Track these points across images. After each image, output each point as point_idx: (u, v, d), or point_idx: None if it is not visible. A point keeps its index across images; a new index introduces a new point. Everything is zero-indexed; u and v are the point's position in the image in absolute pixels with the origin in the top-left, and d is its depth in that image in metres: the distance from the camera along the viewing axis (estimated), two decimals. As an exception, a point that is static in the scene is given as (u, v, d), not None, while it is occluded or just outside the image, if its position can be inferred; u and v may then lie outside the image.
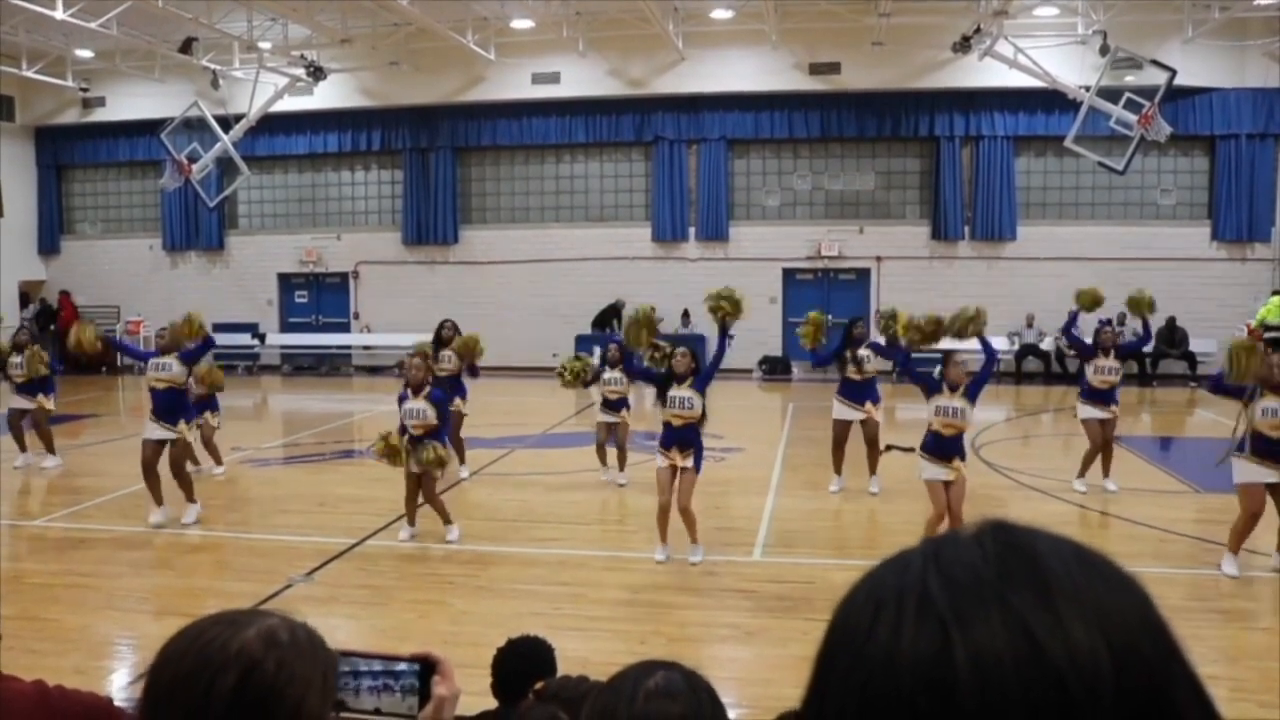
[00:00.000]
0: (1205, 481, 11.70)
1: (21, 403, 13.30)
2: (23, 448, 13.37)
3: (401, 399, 9.58)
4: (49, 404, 13.36)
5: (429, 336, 12.52)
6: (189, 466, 10.99)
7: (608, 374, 11.90)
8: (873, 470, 11.58)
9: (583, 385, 12.04)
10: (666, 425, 8.98)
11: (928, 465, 8.77)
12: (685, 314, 23.54)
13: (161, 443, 10.25)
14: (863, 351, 11.46)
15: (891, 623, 0.71)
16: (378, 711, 1.58)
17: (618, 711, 1.81)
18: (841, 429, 11.63)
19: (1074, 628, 0.67)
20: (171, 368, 10.27)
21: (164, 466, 10.26)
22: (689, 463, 8.87)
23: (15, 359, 13.25)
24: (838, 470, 11.72)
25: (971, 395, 8.71)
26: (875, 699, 0.69)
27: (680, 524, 8.99)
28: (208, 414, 12.55)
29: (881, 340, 11.93)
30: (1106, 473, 11.56)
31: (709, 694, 1.91)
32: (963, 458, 8.79)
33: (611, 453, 12.10)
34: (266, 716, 1.36)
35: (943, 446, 8.71)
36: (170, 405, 10.25)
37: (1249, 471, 8.40)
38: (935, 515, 8.72)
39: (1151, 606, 0.73)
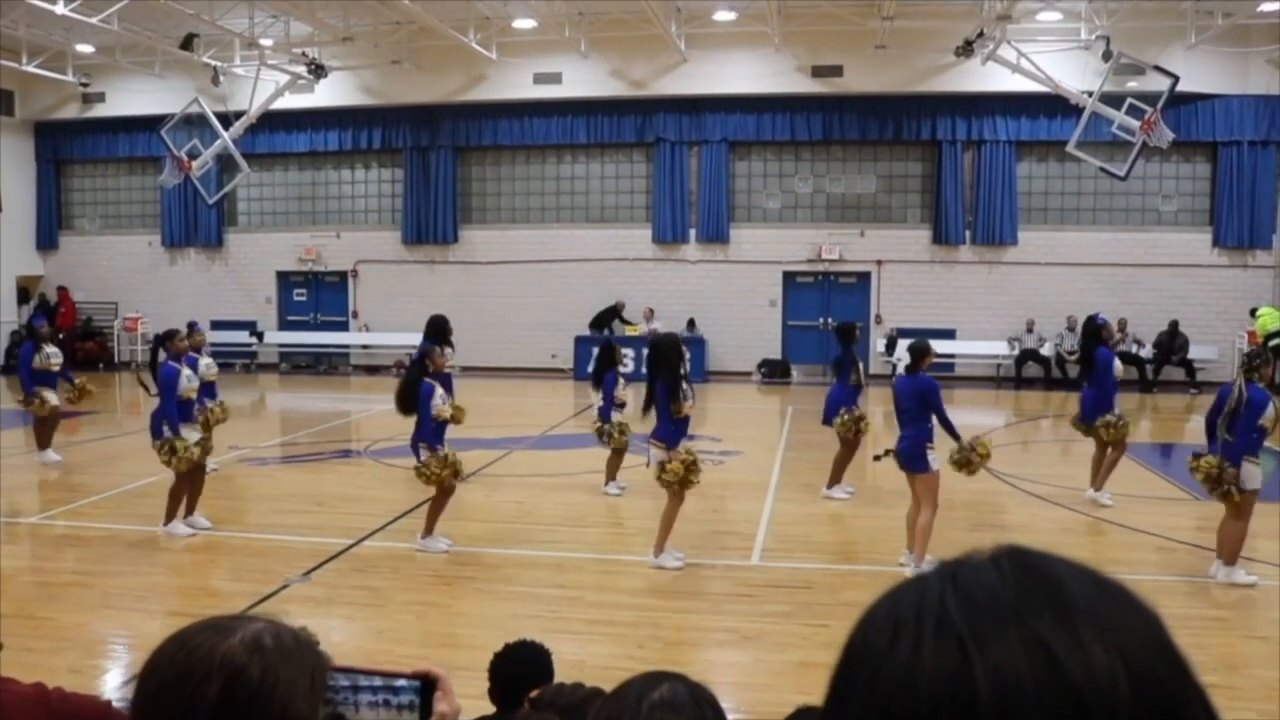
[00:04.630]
0: (1204, 490, 11.67)
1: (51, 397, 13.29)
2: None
3: (429, 390, 9.36)
4: (52, 399, 13.33)
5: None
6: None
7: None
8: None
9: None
10: (684, 420, 9.01)
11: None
12: (691, 322, 23.51)
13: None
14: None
15: (911, 642, 0.71)
16: None
17: None
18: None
19: (1093, 649, 0.68)
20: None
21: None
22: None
23: (49, 349, 13.27)
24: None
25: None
26: (895, 717, 0.70)
27: (683, 528, 9.02)
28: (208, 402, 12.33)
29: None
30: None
31: (713, 707, 1.90)
32: None
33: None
34: None
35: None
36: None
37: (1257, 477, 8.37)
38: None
39: (1165, 630, 0.74)
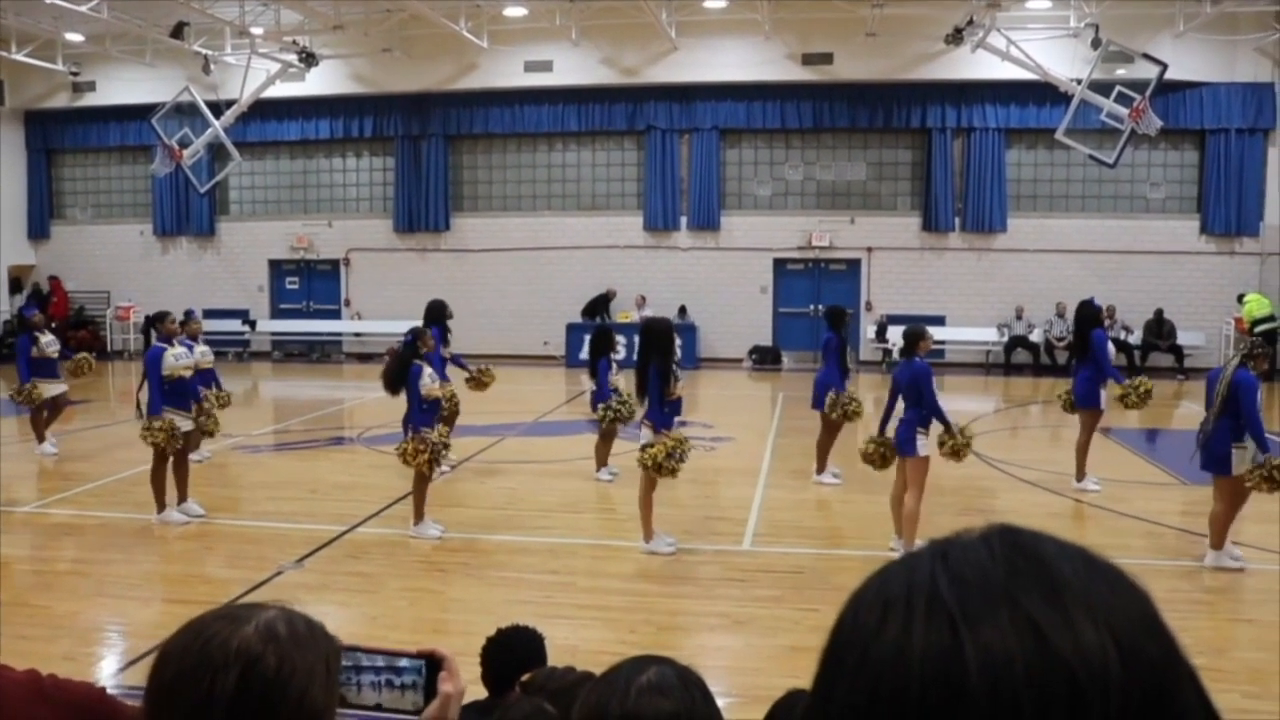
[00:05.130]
0: (1191, 474, 11.77)
1: (56, 388, 13.25)
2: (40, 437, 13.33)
3: (417, 371, 9.29)
4: (47, 391, 13.23)
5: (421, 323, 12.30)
6: (193, 455, 10.98)
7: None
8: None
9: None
10: (676, 402, 9.07)
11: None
12: (682, 309, 23.51)
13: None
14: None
15: (901, 621, 0.71)
16: (379, 707, 1.57)
17: (609, 706, 1.82)
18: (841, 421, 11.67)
19: (1083, 628, 0.68)
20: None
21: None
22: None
23: (45, 338, 13.20)
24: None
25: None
26: (885, 697, 0.69)
27: (675, 514, 9.06)
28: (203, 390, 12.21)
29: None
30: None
31: (701, 690, 1.91)
32: None
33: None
34: (270, 711, 1.36)
35: None
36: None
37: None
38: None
39: (1155, 609, 0.74)
